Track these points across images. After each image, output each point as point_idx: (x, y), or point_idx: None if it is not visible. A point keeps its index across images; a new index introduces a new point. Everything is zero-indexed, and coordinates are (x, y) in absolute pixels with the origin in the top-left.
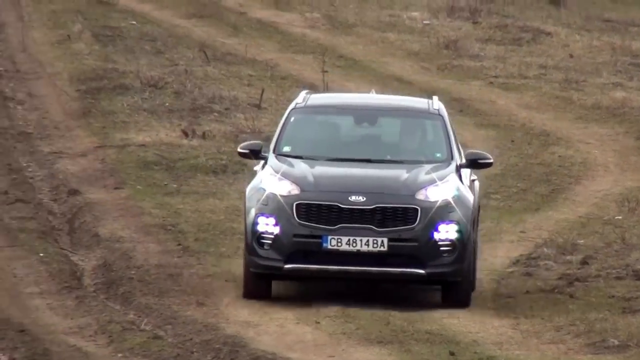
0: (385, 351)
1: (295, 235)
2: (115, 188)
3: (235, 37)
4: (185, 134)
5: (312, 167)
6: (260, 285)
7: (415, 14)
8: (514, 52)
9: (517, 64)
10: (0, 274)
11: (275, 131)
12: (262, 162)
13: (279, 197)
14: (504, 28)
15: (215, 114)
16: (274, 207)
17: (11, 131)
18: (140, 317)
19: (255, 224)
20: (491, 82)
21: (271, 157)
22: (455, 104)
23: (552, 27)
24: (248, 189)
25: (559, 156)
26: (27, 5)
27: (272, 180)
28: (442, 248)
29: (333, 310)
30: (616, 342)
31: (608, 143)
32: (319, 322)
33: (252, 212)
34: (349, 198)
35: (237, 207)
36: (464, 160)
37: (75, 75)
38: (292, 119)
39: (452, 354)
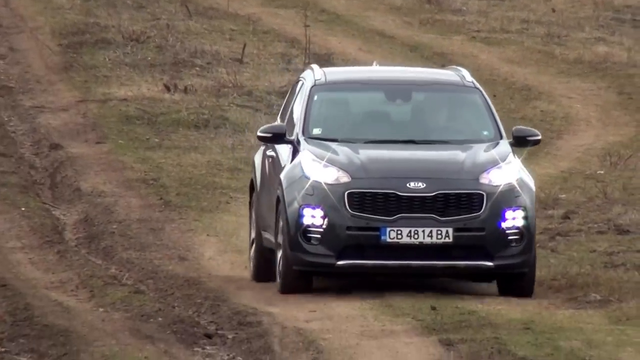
0: (367, 305)
1: (348, 228)
2: (97, 142)
3: None
4: (167, 89)
5: (356, 151)
6: (301, 282)
7: None
8: (496, 6)
9: (499, 18)
10: None
11: (287, 110)
12: (286, 146)
13: (326, 185)
14: None
15: (197, 68)
16: (321, 196)
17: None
18: (121, 271)
19: (300, 216)
20: (473, 37)
21: (304, 142)
22: (437, 59)
23: None
24: (284, 176)
25: (541, 111)
26: None
27: (316, 167)
28: (510, 237)
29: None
30: (598, 297)
31: (590, 98)
32: None
33: (296, 203)
34: (408, 185)
35: (219, 162)
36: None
37: (57, 30)
38: (316, 97)
39: (433, 308)
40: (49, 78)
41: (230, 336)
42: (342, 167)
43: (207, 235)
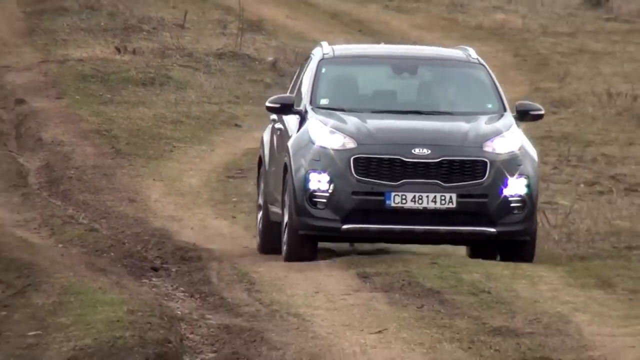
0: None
1: (354, 193)
2: (57, 98)
3: None
4: (118, 50)
5: (363, 119)
6: (306, 247)
7: None
8: None
9: None
10: None
11: (296, 85)
12: (293, 116)
13: (332, 151)
14: None
15: (144, 32)
16: (328, 162)
17: None
18: (78, 212)
19: (306, 181)
20: (386, 6)
21: (311, 111)
22: (355, 25)
23: None
24: (291, 143)
25: None
26: None
27: (322, 133)
28: (512, 204)
29: (248, 206)
30: None
31: (489, 59)
32: (235, 217)
33: (302, 170)
34: (412, 151)
35: (164, 115)
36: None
37: None
38: (324, 70)
39: (351, 245)
40: (14, 41)
41: (174, 269)
42: (348, 133)
43: (153, 179)
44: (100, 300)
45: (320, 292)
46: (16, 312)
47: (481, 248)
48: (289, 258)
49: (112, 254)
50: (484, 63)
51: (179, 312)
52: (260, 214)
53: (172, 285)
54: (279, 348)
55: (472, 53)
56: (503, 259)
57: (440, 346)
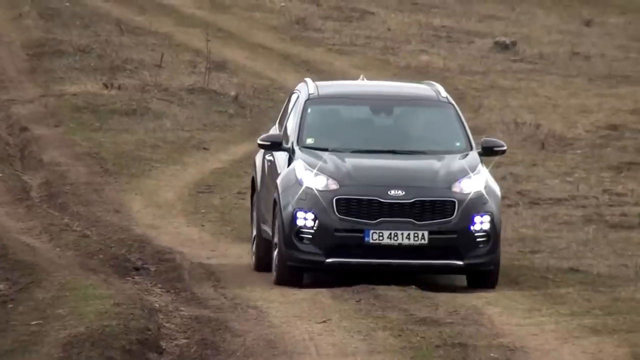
0: (249, 247)
1: (336, 230)
2: (55, 126)
3: (142, 15)
4: (106, 86)
5: (343, 160)
6: (293, 276)
7: None
8: (347, 26)
9: (349, 35)
10: None
11: (284, 119)
12: (282, 153)
13: (317, 191)
14: (339, 9)
15: (128, 71)
16: (313, 201)
17: None
18: (72, 221)
19: (294, 218)
20: (330, 49)
21: (298, 151)
22: (304, 65)
23: (375, 9)
24: (280, 181)
25: None
26: None
27: (308, 175)
28: (478, 239)
29: (215, 216)
30: None
31: None
32: (204, 225)
33: (290, 207)
34: (389, 192)
35: (144, 140)
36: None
37: (25, 43)
38: (309, 110)
39: None
40: (19, 78)
41: (153, 269)
42: (331, 175)
43: (135, 194)
44: (91, 295)
45: (274, 288)
46: (20, 304)
47: (477, 278)
48: (278, 283)
49: (101, 256)
50: (452, 102)
51: (157, 305)
52: (254, 234)
53: (151, 282)
54: (241, 335)
55: (441, 91)
56: (470, 286)
57: (375, 334)
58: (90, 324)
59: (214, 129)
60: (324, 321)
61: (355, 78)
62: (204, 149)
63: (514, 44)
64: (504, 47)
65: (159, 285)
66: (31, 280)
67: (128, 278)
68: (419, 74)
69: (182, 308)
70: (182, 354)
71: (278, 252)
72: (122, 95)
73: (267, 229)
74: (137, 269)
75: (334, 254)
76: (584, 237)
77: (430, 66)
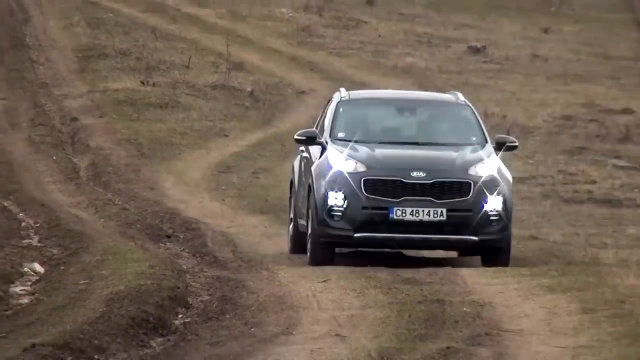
0: (264, 218)
1: (363, 208)
2: (100, 117)
3: (174, 24)
4: (143, 84)
5: (372, 149)
6: (326, 254)
7: (283, 9)
8: (344, 33)
9: (346, 40)
10: (30, 170)
11: (319, 122)
12: (316, 147)
13: (346, 174)
14: (338, 18)
15: (161, 71)
16: (343, 183)
17: (36, 82)
18: (114, 196)
19: (325, 198)
20: (330, 52)
21: (331, 142)
22: (308, 65)
23: (368, 18)
24: (314, 168)
25: None
26: (45, 5)
27: (339, 160)
28: (491, 217)
29: (233, 192)
30: None
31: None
32: (224, 200)
33: (322, 189)
34: (411, 174)
35: (174, 129)
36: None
37: (75, 48)
38: (341, 110)
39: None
40: (70, 77)
41: (181, 236)
42: (359, 159)
43: (167, 174)
44: (130, 258)
45: (284, 253)
46: (71, 267)
47: (490, 257)
48: (312, 262)
49: (138, 226)
50: (470, 104)
51: (184, 267)
52: (291, 225)
53: (180, 248)
54: (255, 292)
55: (460, 96)
56: (484, 264)
57: (367, 291)
58: (129, 283)
59: (232, 119)
60: (324, 281)
61: (352, 77)
62: (225, 135)
63: (484, 48)
64: (475, 50)
65: (187, 250)
66: (80, 246)
67: (161, 244)
68: (405, 73)
69: (206, 269)
70: (206, 308)
71: (312, 232)
72: (156, 91)
73: (303, 222)
74: (168, 237)
75: (361, 229)
76: (542, 210)
77: (413, 67)
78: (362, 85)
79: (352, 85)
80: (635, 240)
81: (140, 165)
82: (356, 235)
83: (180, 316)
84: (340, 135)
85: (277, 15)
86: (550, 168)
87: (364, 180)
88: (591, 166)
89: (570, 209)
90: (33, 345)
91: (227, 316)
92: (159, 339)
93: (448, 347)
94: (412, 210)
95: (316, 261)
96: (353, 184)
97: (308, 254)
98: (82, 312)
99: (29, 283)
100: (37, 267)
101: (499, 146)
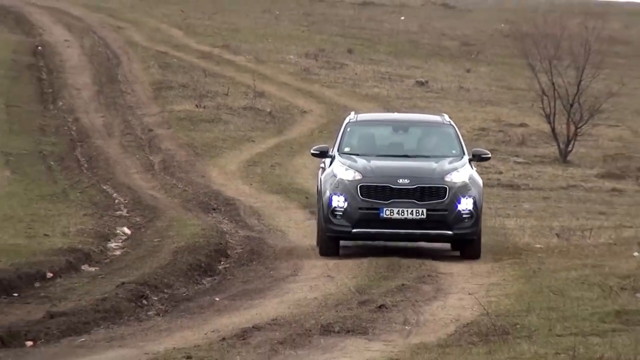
0: (279, 197)
1: (359, 208)
2: (168, 128)
3: (217, 66)
4: (197, 106)
5: (368, 161)
6: (332, 246)
7: (291, 56)
8: (332, 72)
9: (333, 77)
10: (120, 164)
11: (335, 138)
12: (328, 159)
13: (347, 181)
14: (328, 62)
15: (209, 98)
16: (343, 188)
17: (125, 105)
18: (177, 182)
19: (330, 200)
20: (323, 85)
21: (337, 155)
22: (309, 94)
23: (348, 62)
24: (323, 176)
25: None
26: (130, 53)
27: (341, 170)
28: (464, 216)
29: (257, 179)
30: None
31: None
32: (251, 184)
33: (327, 193)
34: (398, 181)
35: (217, 136)
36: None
37: (151, 82)
38: (349, 129)
39: (306, 197)
40: (148, 102)
41: (222, 209)
42: (357, 169)
43: (213, 167)
44: (189, 224)
45: (292, 220)
46: (148, 229)
47: (464, 248)
48: (321, 253)
49: (193, 202)
50: (453, 124)
51: (225, 229)
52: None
53: (222, 217)
54: (272, 247)
55: (446, 117)
56: (461, 256)
57: (348, 248)
58: (188, 240)
59: (257, 130)
60: None
61: (337, 102)
62: (252, 141)
63: (426, 82)
64: (421, 84)
65: (226, 218)
66: (154, 215)
67: (209, 214)
68: (373, 99)
69: (240, 231)
70: (239, 257)
71: (320, 228)
72: (206, 111)
73: None
74: (214, 209)
75: (358, 226)
76: None
77: (379, 95)
78: (344, 107)
79: (336, 106)
80: (529, 212)
81: (195, 161)
82: (354, 230)
83: (222, 263)
84: (346, 149)
85: (287, 60)
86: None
87: (360, 186)
88: (499, 162)
89: (485, 190)
90: (122, 283)
91: (254, 263)
92: (208, 279)
93: (402, 284)
94: (399, 210)
95: (324, 253)
96: (351, 189)
97: (318, 246)
98: (156, 261)
99: (120, 241)
100: (126, 230)
101: (475, 157)
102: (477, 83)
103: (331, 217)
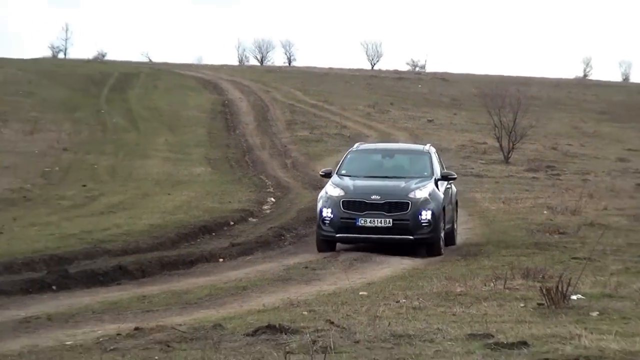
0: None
1: (341, 218)
2: (294, 145)
3: (321, 112)
4: (310, 133)
5: (353, 180)
6: (326, 245)
7: (360, 106)
8: (383, 115)
9: (383, 119)
10: (269, 164)
11: (338, 161)
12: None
13: (334, 197)
14: (379, 110)
15: (316, 129)
16: (331, 203)
17: (271, 133)
18: (300, 174)
19: (321, 212)
20: (378, 122)
21: (334, 177)
22: (370, 126)
23: (393, 110)
24: (320, 193)
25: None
26: (274, 104)
27: (330, 188)
28: (423, 224)
29: (305, 180)
30: None
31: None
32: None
33: (320, 206)
34: (371, 197)
35: (322, 150)
36: (440, 176)
37: (285, 120)
38: (349, 156)
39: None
40: (283, 130)
41: (278, 193)
42: (342, 188)
43: (318, 165)
44: (305, 195)
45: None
46: (284, 199)
47: (428, 249)
48: (318, 250)
49: (308, 184)
50: (432, 152)
51: (270, 199)
52: None
53: (274, 195)
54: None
55: (427, 147)
56: (427, 254)
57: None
58: (306, 204)
59: (342, 146)
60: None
61: (385, 131)
62: (339, 152)
63: (432, 120)
64: (429, 121)
65: (278, 192)
66: (287, 191)
67: (316, 190)
68: (404, 130)
69: (274, 199)
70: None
71: (316, 232)
72: (314, 136)
73: None
74: (319, 187)
75: (340, 232)
76: None
77: (407, 127)
78: (388, 134)
79: (384, 134)
80: (487, 190)
81: (309, 162)
82: (337, 235)
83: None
84: (343, 171)
85: (359, 108)
86: (452, 163)
87: (342, 201)
88: (472, 162)
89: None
90: (271, 227)
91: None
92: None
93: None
94: (371, 220)
95: (320, 250)
96: (336, 203)
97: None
98: (289, 215)
99: (269, 204)
100: (272, 199)
101: (443, 178)
102: (460, 121)
103: (322, 225)
